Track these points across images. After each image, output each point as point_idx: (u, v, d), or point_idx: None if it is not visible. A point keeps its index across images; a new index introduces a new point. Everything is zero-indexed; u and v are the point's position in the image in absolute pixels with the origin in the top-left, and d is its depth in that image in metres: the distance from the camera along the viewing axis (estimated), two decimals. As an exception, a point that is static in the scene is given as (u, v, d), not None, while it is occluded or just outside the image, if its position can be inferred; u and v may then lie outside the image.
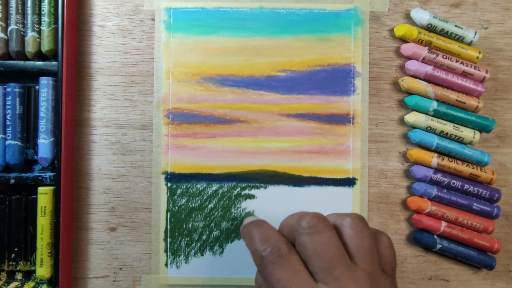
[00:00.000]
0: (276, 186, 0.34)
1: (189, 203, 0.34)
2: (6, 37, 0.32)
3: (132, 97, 0.34)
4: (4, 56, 0.32)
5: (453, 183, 0.33)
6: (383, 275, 0.25)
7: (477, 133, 0.33)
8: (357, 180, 0.34)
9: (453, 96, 0.33)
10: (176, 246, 0.34)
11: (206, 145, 0.34)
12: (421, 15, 0.33)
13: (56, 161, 0.32)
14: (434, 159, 0.33)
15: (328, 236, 0.24)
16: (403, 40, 0.34)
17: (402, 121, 0.34)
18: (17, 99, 0.32)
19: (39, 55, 0.33)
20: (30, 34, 0.32)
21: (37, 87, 0.33)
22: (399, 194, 0.34)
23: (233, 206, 0.34)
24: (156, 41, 0.34)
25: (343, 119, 0.34)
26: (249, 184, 0.34)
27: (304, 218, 0.25)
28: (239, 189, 0.34)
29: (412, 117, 0.33)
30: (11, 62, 0.32)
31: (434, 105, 0.33)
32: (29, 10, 0.32)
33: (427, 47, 0.33)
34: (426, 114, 0.33)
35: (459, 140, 0.34)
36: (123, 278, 0.34)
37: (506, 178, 0.35)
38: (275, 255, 0.24)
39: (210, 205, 0.34)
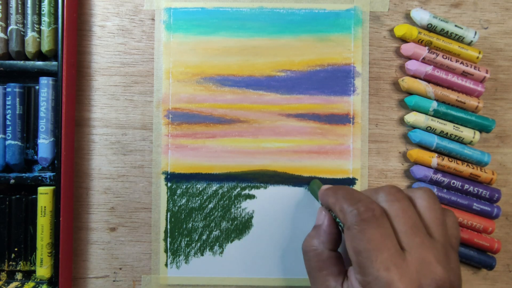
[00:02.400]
0: (276, 186, 0.34)
1: (189, 203, 0.34)
2: (6, 37, 0.32)
3: (132, 97, 0.34)
4: (4, 56, 0.32)
5: (453, 183, 0.33)
6: (451, 248, 0.25)
7: (477, 133, 0.33)
8: (357, 180, 0.34)
9: (453, 96, 0.33)
10: (176, 246, 0.34)
11: (206, 145, 0.34)
12: (421, 15, 0.33)
13: (56, 161, 0.32)
14: (434, 159, 0.33)
15: (407, 205, 0.25)
16: (403, 40, 0.34)
17: (402, 121, 0.34)
18: (17, 99, 0.32)
19: (39, 55, 0.33)
20: (30, 34, 0.32)
21: (37, 87, 0.33)
22: (399, 194, 0.34)
23: (233, 206, 0.34)
24: (156, 41, 0.34)
25: (343, 119, 0.34)
26: (249, 184, 0.34)
27: (383, 189, 0.25)
28: (239, 189, 0.34)
29: (412, 117, 0.33)
30: (11, 62, 0.32)
31: (434, 105, 0.33)
32: (29, 10, 0.32)
33: (427, 47, 0.33)
34: (426, 114, 0.33)
35: (459, 140, 0.34)
36: (123, 278, 0.34)
37: (506, 178, 0.35)
38: (369, 214, 0.24)
39: (210, 205, 0.34)
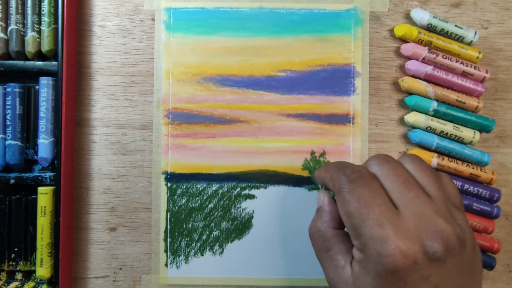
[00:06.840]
0: (276, 186, 0.34)
1: (189, 203, 0.34)
2: (6, 37, 0.32)
3: (132, 97, 0.34)
4: (4, 56, 0.32)
5: (453, 183, 0.33)
6: (454, 207, 0.24)
7: (477, 133, 0.33)
8: (357, 180, 0.34)
9: (453, 96, 0.33)
10: (176, 246, 0.34)
11: (206, 145, 0.34)
12: (421, 15, 0.33)
13: (56, 161, 0.32)
14: (434, 159, 0.33)
15: (398, 165, 0.24)
16: (403, 40, 0.34)
17: (402, 121, 0.34)
18: (17, 99, 0.32)
19: (39, 55, 0.33)
20: (30, 34, 0.32)
21: (37, 87, 0.33)
22: (399, 194, 0.34)
23: (233, 206, 0.34)
24: (156, 41, 0.34)
25: (343, 119, 0.34)
26: (249, 184, 0.34)
27: (372, 156, 0.25)
28: (239, 189, 0.34)
29: (412, 117, 0.33)
30: (11, 62, 0.32)
31: (434, 105, 0.33)
32: (29, 10, 0.32)
33: (427, 47, 0.33)
34: (426, 114, 0.33)
35: (459, 140, 0.34)
36: (123, 278, 0.34)
37: (506, 178, 0.35)
38: (356, 175, 0.24)
39: (210, 205, 0.34)
